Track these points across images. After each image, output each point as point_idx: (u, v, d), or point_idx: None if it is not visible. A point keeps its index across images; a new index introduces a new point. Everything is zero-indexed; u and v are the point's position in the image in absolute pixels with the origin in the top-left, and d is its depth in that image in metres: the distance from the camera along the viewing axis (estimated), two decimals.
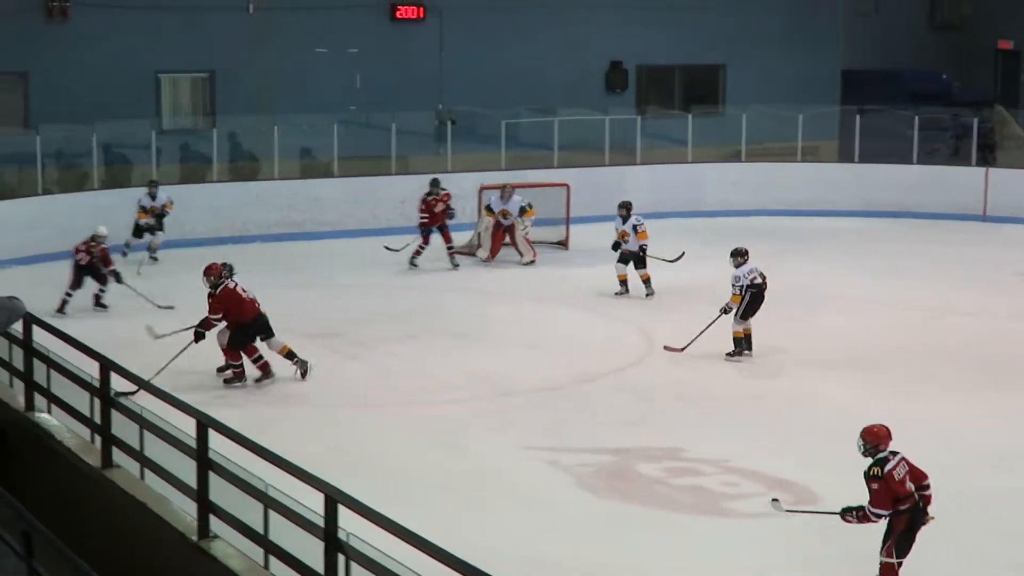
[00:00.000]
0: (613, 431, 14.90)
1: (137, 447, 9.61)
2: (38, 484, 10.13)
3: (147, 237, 23.85)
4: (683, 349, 17.80)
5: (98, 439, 10.01)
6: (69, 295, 19.89)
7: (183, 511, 8.95)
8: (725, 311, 17.66)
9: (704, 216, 28.49)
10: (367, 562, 7.18)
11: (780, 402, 16.16)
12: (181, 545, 8.69)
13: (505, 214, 23.99)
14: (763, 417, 15.50)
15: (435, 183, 23.85)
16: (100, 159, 25.63)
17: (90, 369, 10.08)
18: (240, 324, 16.17)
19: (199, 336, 16.15)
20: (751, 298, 17.65)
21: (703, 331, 17.68)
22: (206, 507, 8.59)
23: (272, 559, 8.20)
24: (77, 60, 26.68)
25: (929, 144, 31.06)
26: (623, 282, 21.41)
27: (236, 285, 16.26)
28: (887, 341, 18.88)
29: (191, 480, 8.69)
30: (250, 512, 8.24)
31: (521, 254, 24.06)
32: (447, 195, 23.76)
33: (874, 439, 10.67)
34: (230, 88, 28.20)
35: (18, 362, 11.21)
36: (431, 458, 14.02)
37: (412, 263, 23.33)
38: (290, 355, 16.47)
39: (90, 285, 20.07)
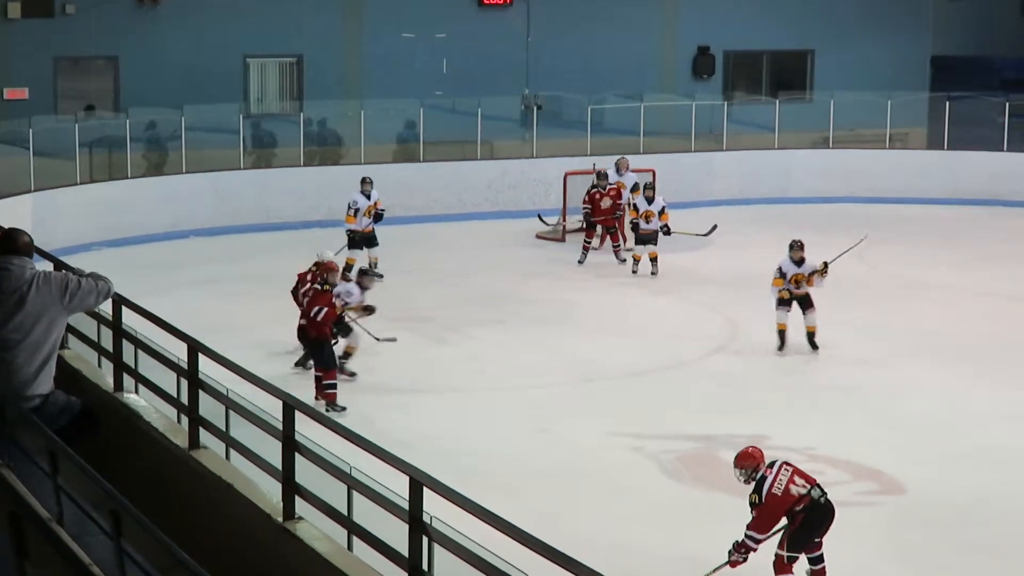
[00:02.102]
0: (698, 418, 14.84)
1: (223, 428, 9.67)
2: (126, 464, 10.19)
3: (365, 250, 21.39)
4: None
5: (185, 420, 10.07)
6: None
7: (269, 492, 9.00)
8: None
9: (791, 203, 28.29)
10: (451, 545, 7.17)
11: (872, 391, 16.00)
12: (267, 526, 8.73)
13: (620, 188, 23.31)
14: (853, 406, 15.37)
15: (602, 175, 23.04)
16: (188, 142, 25.81)
17: (178, 351, 10.15)
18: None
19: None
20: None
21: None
22: (291, 488, 8.62)
23: (356, 541, 8.23)
24: (166, 44, 26.90)
25: (1020, 130, 30.66)
26: (638, 261, 21.85)
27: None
28: (981, 330, 18.67)
29: (276, 462, 8.73)
30: (335, 494, 8.27)
31: (624, 239, 23.17)
32: (615, 190, 22.92)
33: (750, 462, 10.51)
34: (317, 73, 28.33)
35: (107, 343, 11.30)
36: (518, 443, 14.04)
37: (580, 261, 22.64)
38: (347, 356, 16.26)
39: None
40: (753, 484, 10.42)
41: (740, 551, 10.45)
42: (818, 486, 10.43)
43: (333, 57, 28.43)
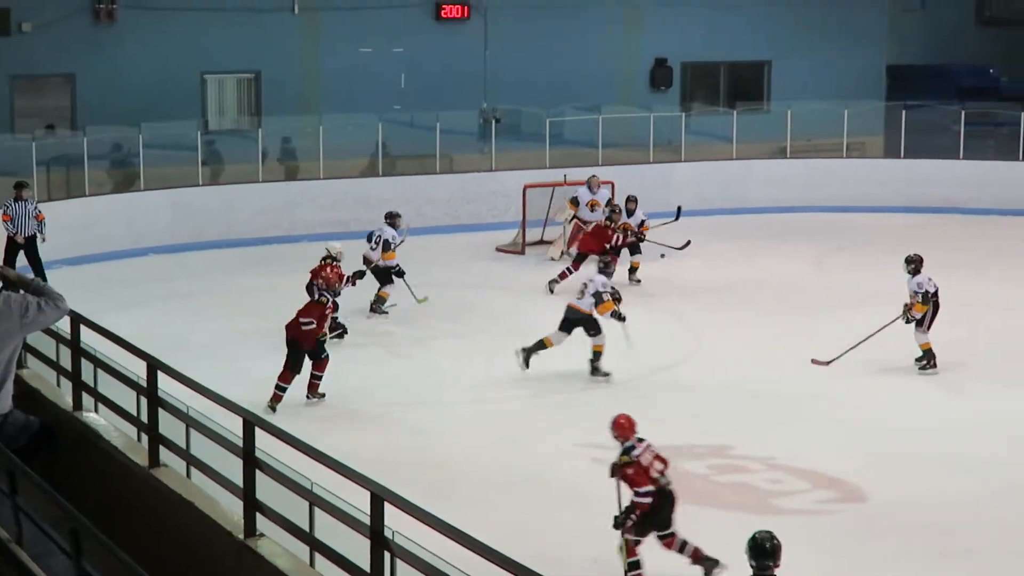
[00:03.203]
0: (661, 428, 14.78)
1: (184, 446, 9.65)
2: (86, 483, 10.16)
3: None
4: (830, 363, 17.16)
5: (145, 438, 10.05)
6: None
7: (230, 510, 8.98)
8: (909, 320, 17.05)
9: (749, 213, 28.39)
10: (413, 560, 7.17)
11: (833, 400, 16.04)
12: (228, 543, 8.71)
13: (594, 205, 23.29)
14: (814, 416, 15.41)
15: (615, 210, 22.28)
16: (146, 159, 25.69)
17: (137, 369, 10.13)
18: None
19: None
20: (934, 307, 17.17)
21: (862, 342, 17.15)
22: (252, 505, 8.61)
23: (318, 557, 8.22)
24: (123, 62, 26.84)
25: (976, 139, 30.89)
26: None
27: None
28: (942, 338, 18.71)
29: (237, 479, 8.72)
30: (296, 510, 8.26)
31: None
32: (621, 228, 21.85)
33: (619, 431, 11.04)
34: (276, 88, 28.30)
35: (66, 361, 11.26)
36: (482, 456, 14.03)
37: (551, 291, 21.51)
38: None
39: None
40: (622, 449, 10.94)
41: (630, 513, 10.77)
42: (665, 474, 10.87)
43: (291, 73, 28.41)
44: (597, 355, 16.70)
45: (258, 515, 8.60)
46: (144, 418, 9.99)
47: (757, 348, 17.96)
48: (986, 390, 16.42)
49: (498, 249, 24.86)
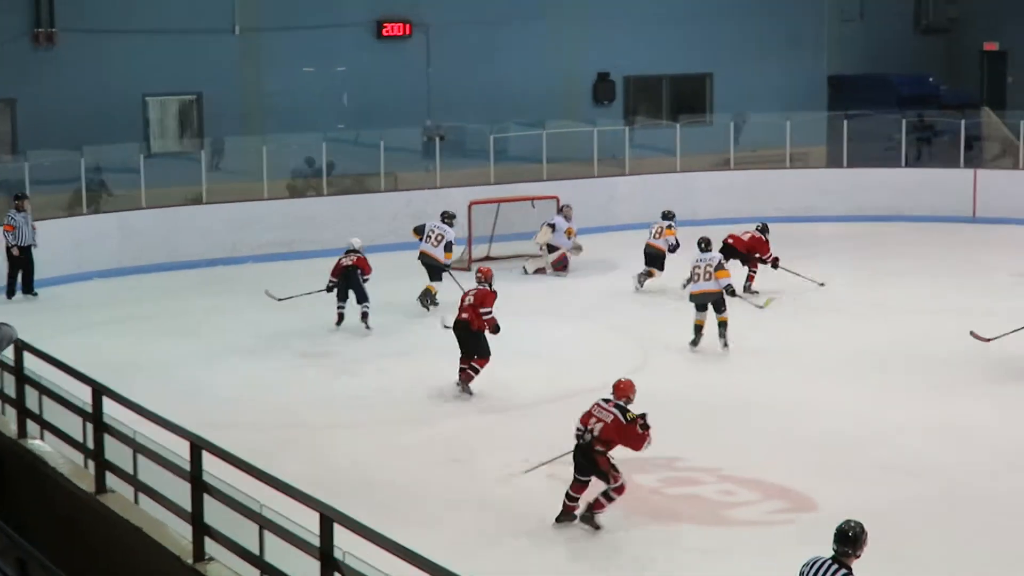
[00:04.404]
0: None
1: (131, 471, 9.58)
2: (33, 511, 10.09)
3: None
4: (990, 340, 17.69)
5: (92, 464, 9.97)
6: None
7: (178, 534, 8.92)
8: None
9: (695, 225, 28.36)
10: None
11: (777, 410, 16.09)
12: (177, 568, 8.66)
13: (570, 233, 24.04)
14: (762, 426, 15.44)
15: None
16: (88, 184, 25.51)
17: (83, 394, 10.05)
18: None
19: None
20: None
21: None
22: (201, 530, 8.56)
23: None
24: (64, 85, 26.66)
25: (915, 147, 31.21)
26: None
27: None
28: (887, 344, 18.85)
29: (185, 503, 8.66)
30: (246, 533, 8.21)
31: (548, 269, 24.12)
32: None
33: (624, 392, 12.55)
34: (218, 109, 28.18)
35: (10, 389, 11.17)
36: (431, 475, 13.99)
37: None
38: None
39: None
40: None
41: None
42: (586, 431, 12.32)
43: (233, 93, 28.30)
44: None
45: (207, 539, 8.55)
46: (90, 444, 9.92)
47: (705, 359, 18.00)
48: (930, 395, 16.51)
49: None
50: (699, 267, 18.79)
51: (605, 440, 12.26)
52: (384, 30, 29.69)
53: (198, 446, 8.55)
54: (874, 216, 29.06)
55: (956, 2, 38.46)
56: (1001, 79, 37.20)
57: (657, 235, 22.70)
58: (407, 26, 29.82)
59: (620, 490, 12.33)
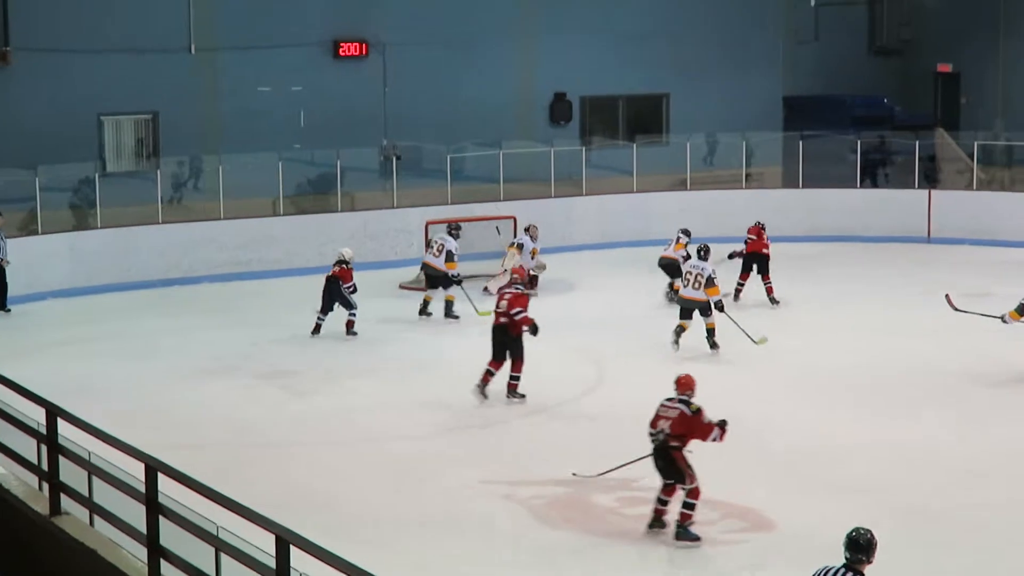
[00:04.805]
0: (567, 462, 14.84)
1: (86, 493, 9.51)
2: None
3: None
4: (959, 311, 19.07)
5: (46, 486, 9.89)
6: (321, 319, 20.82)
7: (134, 556, 8.86)
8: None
9: (652, 245, 28.46)
10: None
11: (735, 428, 16.07)
12: None
13: (534, 253, 24.16)
14: (717, 444, 15.42)
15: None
16: (43, 203, 25.36)
17: (37, 416, 9.98)
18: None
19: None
20: None
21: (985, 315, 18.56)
22: (157, 552, 8.50)
23: None
24: (19, 105, 26.53)
25: (870, 169, 31.41)
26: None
27: None
28: (844, 363, 18.94)
29: (141, 525, 8.60)
30: (201, 556, 8.16)
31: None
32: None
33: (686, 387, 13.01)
34: (174, 129, 28.08)
35: None
36: (391, 494, 13.94)
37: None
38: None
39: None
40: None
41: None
42: (657, 432, 12.66)
43: (189, 113, 28.20)
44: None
45: (163, 561, 8.49)
46: (45, 466, 9.84)
47: (661, 378, 17.96)
48: (883, 414, 16.58)
49: (401, 286, 24.80)
50: (691, 273, 19.44)
51: (678, 435, 12.57)
52: (341, 50, 29.68)
53: (153, 467, 8.50)
54: (830, 236, 29.22)
55: (910, 24, 38.81)
56: (955, 101, 37.53)
57: (673, 248, 22.96)
58: (364, 46, 29.82)
59: (695, 493, 12.45)
